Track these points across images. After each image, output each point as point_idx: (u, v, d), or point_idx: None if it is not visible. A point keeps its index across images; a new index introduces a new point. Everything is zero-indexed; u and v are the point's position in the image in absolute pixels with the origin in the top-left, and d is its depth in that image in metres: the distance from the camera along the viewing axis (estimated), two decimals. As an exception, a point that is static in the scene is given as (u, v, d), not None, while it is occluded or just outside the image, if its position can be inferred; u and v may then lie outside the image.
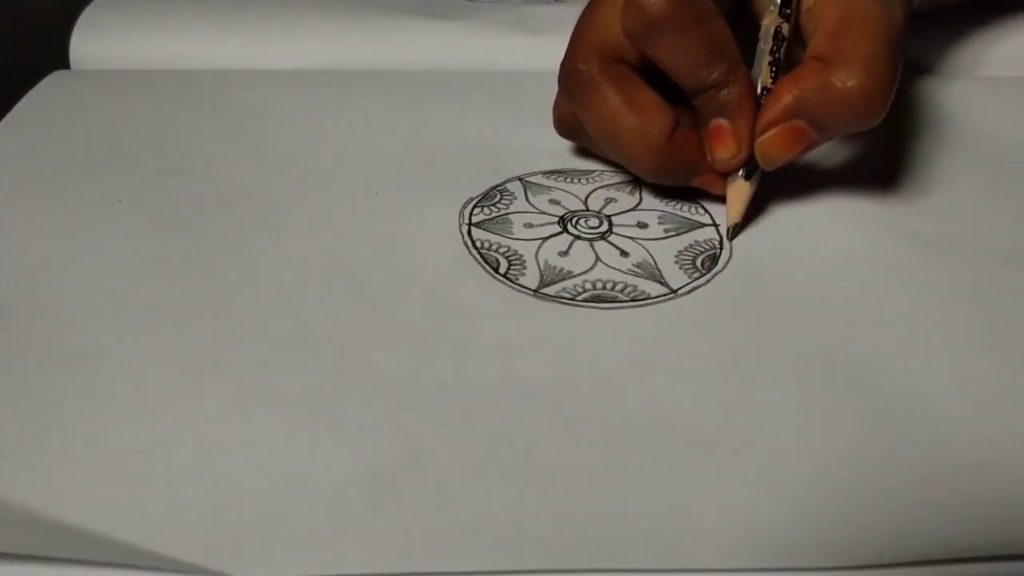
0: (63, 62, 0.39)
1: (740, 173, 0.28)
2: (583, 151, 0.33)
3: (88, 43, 0.39)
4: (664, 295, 0.27)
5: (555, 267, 0.28)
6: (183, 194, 0.31)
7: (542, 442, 0.22)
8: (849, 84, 0.26)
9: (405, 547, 0.20)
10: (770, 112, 0.27)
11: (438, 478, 0.21)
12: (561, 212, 0.30)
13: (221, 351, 0.25)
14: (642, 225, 0.30)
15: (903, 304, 0.26)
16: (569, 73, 0.29)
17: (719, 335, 0.25)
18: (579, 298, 0.26)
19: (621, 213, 0.30)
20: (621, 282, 0.27)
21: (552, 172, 0.32)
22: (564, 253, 0.28)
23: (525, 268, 0.28)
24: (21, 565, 0.19)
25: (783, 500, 0.20)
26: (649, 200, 0.31)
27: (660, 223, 0.30)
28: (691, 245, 0.29)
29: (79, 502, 0.20)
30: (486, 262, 0.28)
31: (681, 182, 0.30)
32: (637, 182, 0.32)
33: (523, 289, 0.27)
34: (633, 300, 0.26)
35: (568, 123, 0.31)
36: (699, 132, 0.28)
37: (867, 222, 0.29)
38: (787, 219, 0.29)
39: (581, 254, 0.28)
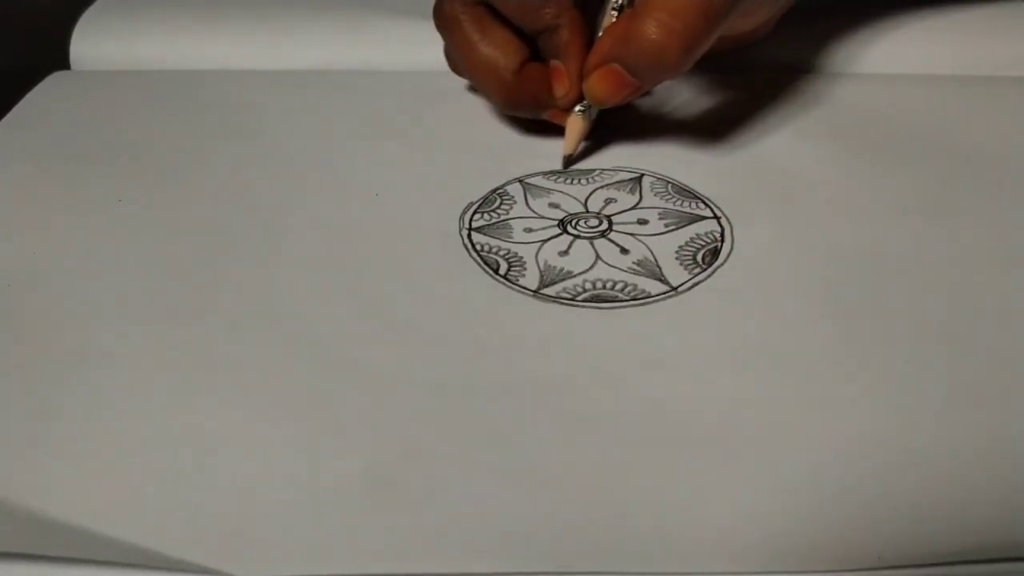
0: (63, 62, 0.39)
1: (577, 109, 0.31)
2: (583, 151, 0.33)
3: (88, 44, 0.39)
4: (664, 293, 0.26)
5: (555, 267, 0.28)
6: (183, 194, 0.31)
7: (542, 442, 0.22)
8: (648, 34, 0.28)
9: (404, 547, 0.20)
10: (593, 56, 0.30)
11: (438, 478, 0.21)
12: (561, 215, 0.30)
13: (221, 351, 0.25)
14: (642, 222, 0.30)
15: (904, 298, 0.26)
16: (437, 11, 0.33)
17: (720, 332, 0.25)
18: (579, 298, 0.26)
19: (621, 212, 0.30)
20: (621, 281, 0.27)
21: (552, 173, 0.32)
22: (564, 252, 0.28)
23: (525, 269, 0.27)
24: (21, 565, 0.19)
25: (783, 502, 0.20)
26: (649, 198, 0.31)
27: (660, 218, 0.30)
28: (692, 239, 0.29)
29: (79, 502, 0.20)
30: (486, 264, 0.28)
31: (531, 114, 0.33)
32: (637, 180, 0.32)
33: (523, 290, 0.27)
34: (633, 299, 0.26)
35: (452, 61, 0.35)
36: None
37: (869, 214, 0.29)
38: (787, 212, 0.29)
39: (581, 253, 0.28)
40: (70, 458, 0.22)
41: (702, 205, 0.30)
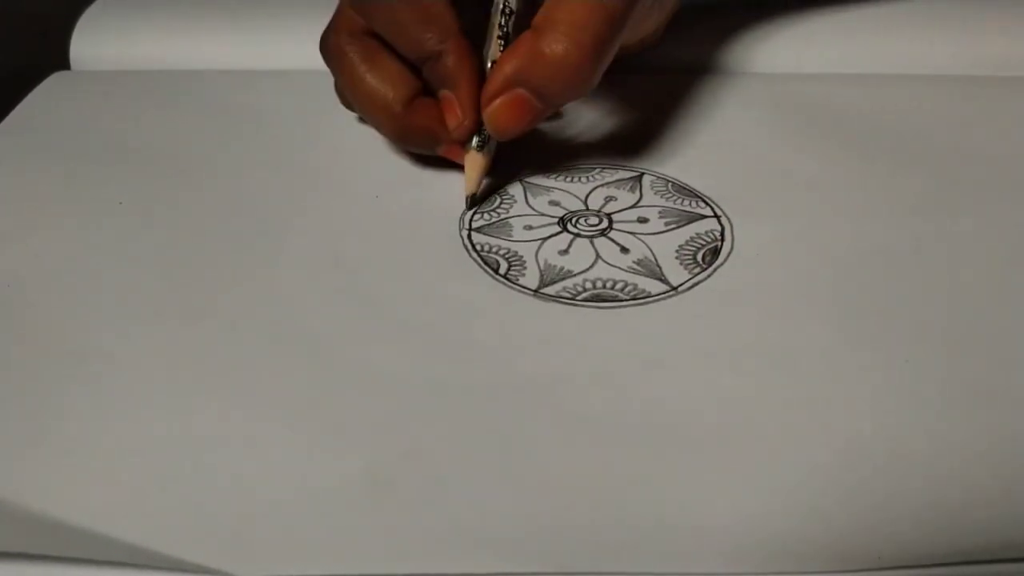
0: (63, 63, 0.39)
1: (474, 144, 0.29)
2: (583, 151, 0.33)
3: (88, 44, 0.39)
4: (665, 292, 0.26)
5: (555, 267, 0.28)
6: (183, 194, 0.31)
7: (542, 442, 0.22)
8: (555, 50, 0.26)
9: (404, 547, 0.20)
10: (493, 83, 0.28)
11: (438, 478, 0.21)
12: (561, 213, 0.30)
13: (221, 351, 0.25)
14: (642, 220, 0.30)
15: (904, 297, 0.26)
16: (323, 45, 0.31)
17: (720, 332, 0.25)
18: (579, 298, 0.26)
19: (621, 211, 0.30)
20: (621, 280, 0.27)
21: (552, 170, 0.32)
22: (564, 251, 0.28)
23: (525, 269, 0.27)
24: (21, 564, 0.19)
25: (783, 502, 0.20)
26: (649, 197, 0.31)
27: (660, 217, 0.30)
28: (692, 238, 0.29)
29: (79, 502, 0.20)
30: (486, 263, 0.28)
31: (425, 149, 0.31)
32: (637, 179, 0.31)
33: (523, 289, 0.27)
34: (634, 299, 0.26)
35: (341, 95, 0.33)
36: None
37: (869, 214, 0.29)
38: (787, 212, 0.29)
39: (581, 252, 0.28)
40: (70, 458, 0.22)
41: (702, 204, 0.30)
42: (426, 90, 0.30)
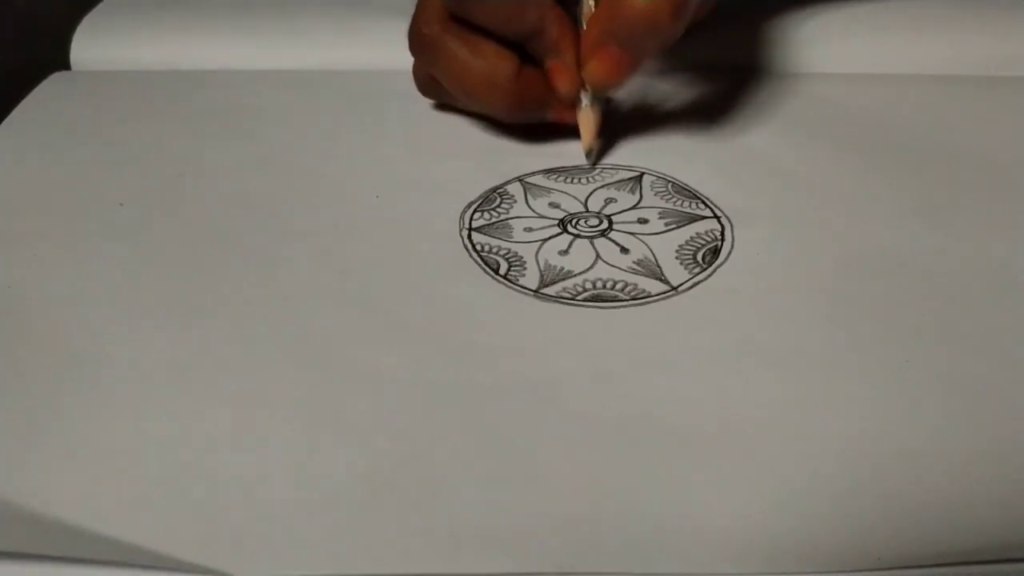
0: (64, 63, 0.39)
1: (585, 102, 0.31)
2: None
3: (89, 44, 0.39)
4: (665, 292, 0.26)
5: (555, 267, 0.28)
6: (183, 194, 0.31)
7: (542, 442, 0.22)
8: (637, 4, 0.28)
9: (405, 548, 0.20)
10: (586, 43, 0.30)
11: (438, 478, 0.21)
12: (561, 215, 0.30)
13: (221, 352, 0.25)
14: (642, 221, 0.30)
15: (904, 298, 0.26)
16: (415, 37, 0.32)
17: (720, 332, 0.25)
18: (579, 298, 0.26)
19: (621, 212, 0.30)
20: (621, 280, 0.27)
21: (552, 171, 0.32)
22: (564, 252, 0.28)
23: (525, 269, 0.27)
24: (21, 564, 0.19)
25: (782, 502, 0.20)
26: (649, 197, 0.31)
27: (660, 218, 0.30)
28: (692, 238, 0.29)
29: (79, 502, 0.20)
30: (486, 264, 0.28)
31: (537, 118, 0.32)
32: (637, 179, 0.32)
33: (523, 290, 0.27)
34: (634, 299, 0.26)
35: (427, 83, 0.34)
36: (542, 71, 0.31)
37: (869, 214, 0.29)
38: (787, 212, 0.29)
39: (581, 252, 0.28)
40: (71, 458, 0.22)
41: (702, 205, 0.30)
42: (523, 62, 0.31)
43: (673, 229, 0.29)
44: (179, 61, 0.39)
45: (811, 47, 0.38)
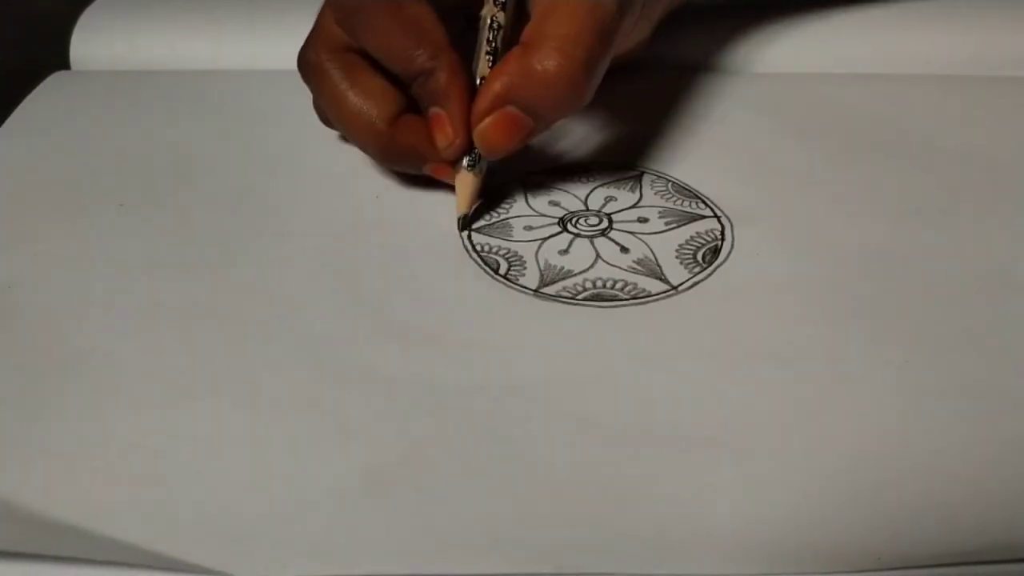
0: (63, 63, 0.39)
1: (465, 163, 0.28)
2: (583, 150, 0.33)
3: (88, 44, 0.39)
4: (665, 292, 0.26)
5: (555, 266, 0.28)
6: (183, 194, 0.31)
7: (542, 442, 0.22)
8: (547, 66, 0.26)
9: (404, 548, 0.20)
10: (482, 101, 0.27)
11: (438, 479, 0.21)
12: (561, 213, 0.30)
13: (221, 352, 0.25)
14: (642, 220, 0.30)
15: (904, 297, 0.26)
16: (301, 62, 0.30)
17: (720, 331, 0.25)
18: (579, 297, 0.26)
19: (621, 211, 0.30)
20: (621, 280, 0.27)
21: (552, 170, 0.32)
22: (564, 251, 0.28)
23: (525, 268, 0.27)
24: (21, 564, 0.19)
25: (782, 503, 0.20)
26: (649, 197, 0.31)
27: (660, 217, 0.30)
28: (692, 237, 0.29)
29: (79, 502, 0.20)
30: (486, 264, 0.28)
31: (412, 169, 0.30)
32: (637, 178, 0.31)
33: (523, 289, 0.27)
34: (634, 298, 0.26)
35: (322, 114, 0.32)
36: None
37: (869, 214, 0.29)
38: (787, 212, 0.29)
39: (581, 252, 0.28)
40: (70, 458, 0.22)
41: (702, 204, 0.30)
42: (410, 107, 0.29)
43: (673, 228, 0.29)
44: (179, 60, 0.39)
45: (811, 47, 0.38)
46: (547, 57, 0.26)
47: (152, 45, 0.39)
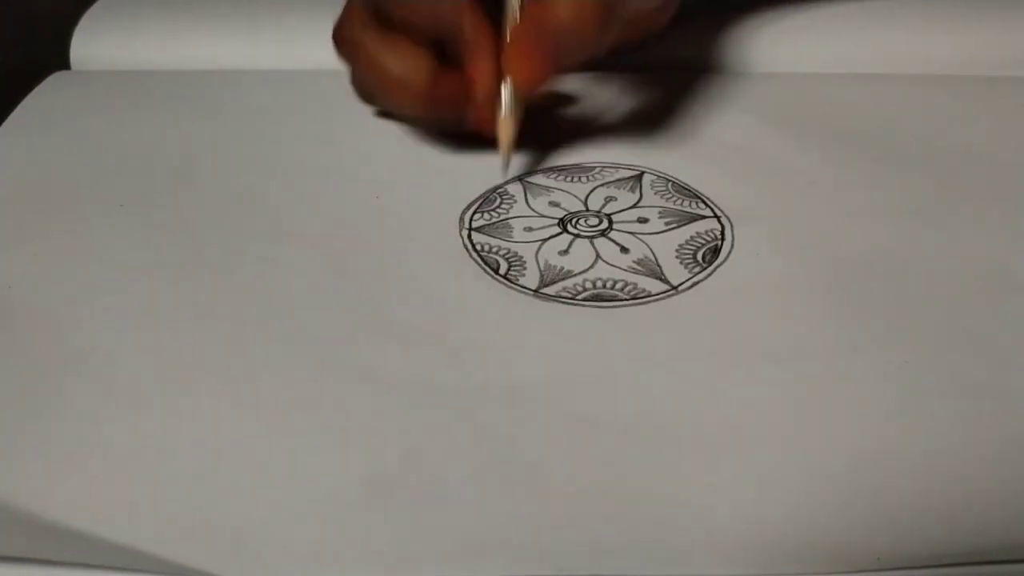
0: (63, 63, 0.39)
1: (504, 111, 0.30)
2: (583, 150, 0.33)
3: (89, 44, 0.39)
4: (665, 292, 0.26)
5: (555, 267, 0.28)
6: (183, 195, 0.31)
7: (542, 443, 0.22)
8: (565, 9, 0.28)
9: (405, 550, 0.20)
10: (509, 47, 0.29)
11: (438, 480, 0.21)
12: (561, 214, 0.30)
13: (221, 352, 0.25)
14: (642, 220, 0.30)
15: (904, 298, 0.26)
16: (336, 38, 0.32)
17: (719, 331, 0.25)
18: (579, 297, 0.26)
19: (621, 211, 0.30)
20: (621, 280, 0.27)
21: (552, 170, 0.32)
22: (564, 252, 0.28)
23: (525, 269, 0.27)
24: (21, 567, 0.19)
25: (782, 503, 0.20)
26: (649, 197, 0.31)
27: (660, 217, 0.30)
28: (692, 237, 0.29)
29: (79, 505, 0.20)
30: (486, 264, 0.28)
31: (454, 125, 0.31)
32: (637, 178, 0.31)
33: (523, 289, 0.27)
34: (634, 298, 0.26)
35: (363, 88, 0.33)
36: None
37: (869, 214, 0.29)
38: (787, 212, 0.29)
39: (581, 252, 0.28)
40: (70, 461, 0.22)
41: (702, 204, 0.30)
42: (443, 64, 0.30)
43: (673, 228, 0.29)
44: (179, 60, 0.39)
45: (812, 47, 0.38)
46: (561, 3, 0.28)
47: (152, 45, 0.39)
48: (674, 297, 0.26)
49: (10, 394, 0.23)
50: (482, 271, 0.27)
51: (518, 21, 0.30)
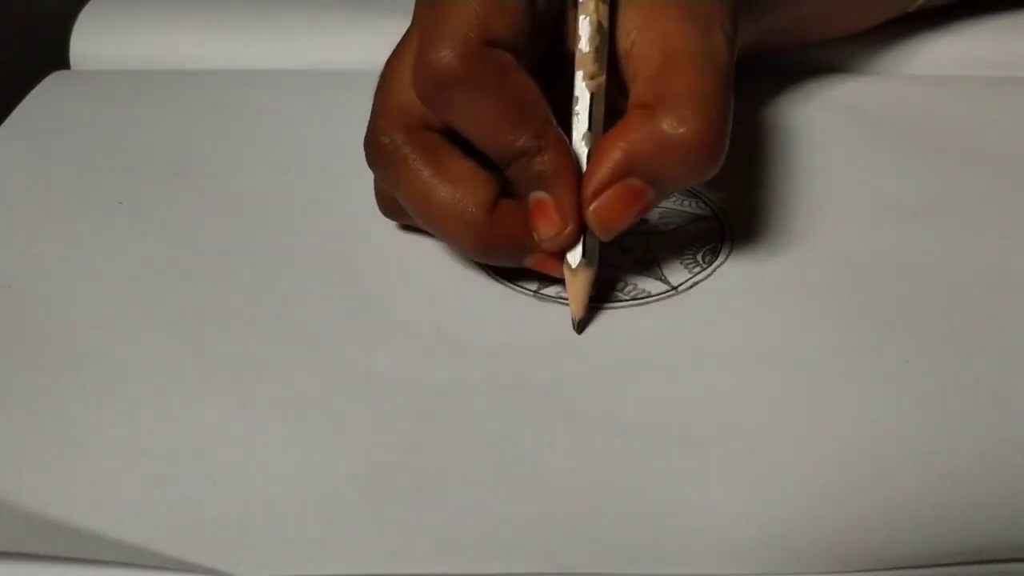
0: (63, 62, 0.39)
1: (578, 256, 0.25)
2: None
3: (88, 43, 0.39)
4: (665, 292, 0.26)
5: (555, 266, 0.28)
6: (183, 195, 0.31)
7: (542, 443, 0.22)
8: (681, 130, 0.22)
9: (404, 548, 0.20)
10: (598, 174, 0.23)
11: (437, 479, 0.21)
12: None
13: (221, 351, 0.25)
14: (642, 220, 0.30)
15: (904, 298, 0.26)
16: (372, 148, 0.26)
17: (720, 332, 0.25)
18: (579, 297, 0.26)
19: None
20: (621, 280, 0.27)
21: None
22: (564, 252, 0.28)
23: (525, 268, 0.27)
24: (21, 564, 0.19)
25: (782, 503, 0.20)
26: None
27: (661, 217, 0.30)
28: (692, 238, 0.29)
29: (80, 502, 0.20)
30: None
31: (513, 262, 0.26)
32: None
33: (523, 290, 0.27)
34: (634, 299, 0.26)
35: (389, 203, 0.27)
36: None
37: (869, 214, 0.29)
38: (787, 212, 0.29)
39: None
40: (70, 458, 0.22)
41: (702, 204, 0.30)
42: (504, 191, 0.25)
43: (673, 229, 0.29)
44: (179, 59, 0.39)
45: (813, 47, 0.38)
46: (682, 120, 0.22)
47: (152, 45, 0.39)
48: (674, 297, 0.26)
49: (10, 393, 0.23)
50: (482, 271, 0.27)
51: (600, 134, 0.24)
